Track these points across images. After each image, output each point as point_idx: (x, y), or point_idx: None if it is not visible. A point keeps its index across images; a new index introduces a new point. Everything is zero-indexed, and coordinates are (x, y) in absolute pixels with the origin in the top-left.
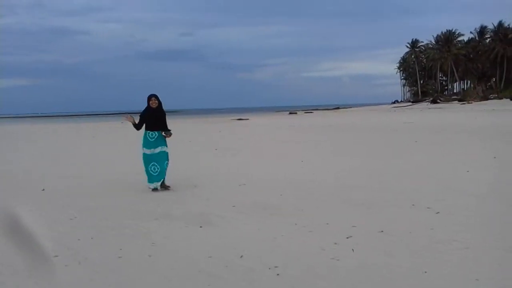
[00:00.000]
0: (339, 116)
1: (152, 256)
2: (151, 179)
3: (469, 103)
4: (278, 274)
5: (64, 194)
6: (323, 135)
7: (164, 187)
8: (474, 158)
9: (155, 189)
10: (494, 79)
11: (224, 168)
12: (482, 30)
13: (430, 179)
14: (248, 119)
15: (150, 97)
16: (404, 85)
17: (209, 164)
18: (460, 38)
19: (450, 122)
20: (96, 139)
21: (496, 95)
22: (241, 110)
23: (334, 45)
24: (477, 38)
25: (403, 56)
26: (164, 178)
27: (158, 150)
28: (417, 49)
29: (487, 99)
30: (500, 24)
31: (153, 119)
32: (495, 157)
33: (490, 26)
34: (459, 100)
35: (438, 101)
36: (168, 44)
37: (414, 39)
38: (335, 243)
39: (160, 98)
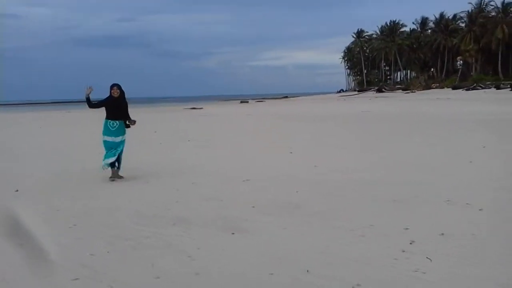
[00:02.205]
0: (293, 105)
1: (199, 274)
2: (110, 155)
3: (413, 92)
4: None
5: (45, 195)
6: (290, 124)
7: (118, 176)
8: (465, 147)
9: (105, 167)
10: (432, 69)
11: (211, 161)
12: (423, 21)
13: (441, 171)
14: (202, 108)
15: (112, 86)
16: (349, 75)
17: (191, 157)
18: (403, 29)
19: (407, 111)
20: (45, 130)
21: (438, 84)
22: (189, 99)
23: (278, 34)
24: (419, 29)
25: (348, 46)
26: (119, 168)
27: (118, 139)
28: (362, 39)
29: (429, 88)
30: (442, 15)
31: (115, 108)
32: (484, 147)
33: (431, 18)
34: (403, 89)
35: (383, 90)
36: (105, 30)
37: (359, 29)
38: (403, 251)
39: (122, 88)
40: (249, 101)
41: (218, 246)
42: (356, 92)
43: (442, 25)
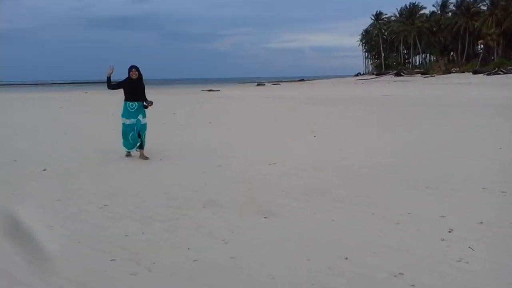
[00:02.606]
0: (310, 88)
1: (235, 258)
2: (128, 145)
3: (432, 76)
4: (413, 286)
5: (71, 176)
6: (311, 107)
7: (144, 157)
8: (492, 133)
9: (128, 155)
10: (452, 53)
11: (235, 144)
12: (444, 4)
13: (471, 156)
14: (219, 90)
15: (130, 68)
16: (366, 58)
17: (214, 140)
18: (422, 12)
19: (429, 95)
20: (65, 111)
21: (458, 68)
22: (203, 81)
23: (294, 16)
24: (439, 12)
25: (366, 29)
26: (142, 148)
27: (136, 120)
28: (381, 22)
29: (449, 72)
30: None
31: (133, 90)
32: None
33: (451, 0)
34: (422, 73)
35: (402, 74)
36: (119, 11)
37: (378, 11)
38: (442, 239)
39: (140, 70)
40: (266, 84)
41: (252, 230)
42: (374, 76)
43: (463, 8)
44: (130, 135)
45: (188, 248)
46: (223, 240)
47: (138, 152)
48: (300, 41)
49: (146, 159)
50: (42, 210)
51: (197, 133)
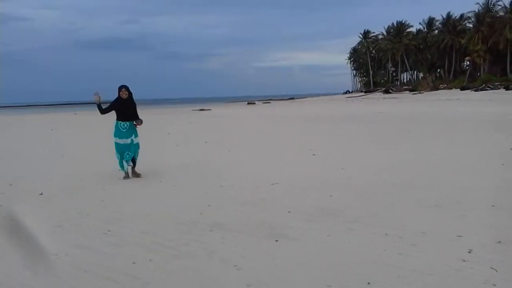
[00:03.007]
0: (301, 106)
1: (251, 286)
2: (123, 166)
3: (421, 93)
4: None
5: (70, 200)
6: (305, 125)
7: (136, 175)
8: (492, 149)
9: (126, 176)
10: (439, 70)
11: (234, 164)
12: (430, 22)
13: (474, 173)
14: (210, 109)
15: (120, 88)
16: (355, 76)
17: (212, 160)
18: (409, 30)
19: (421, 112)
20: (57, 132)
21: (446, 85)
22: (194, 100)
23: (282, 35)
24: (425, 30)
25: (354, 47)
26: (135, 166)
27: (129, 140)
28: (369, 40)
29: (437, 89)
30: (449, 15)
31: (124, 109)
32: (511, 149)
33: (438, 18)
34: (410, 90)
35: (390, 91)
36: (110, 32)
37: (366, 30)
38: (463, 260)
39: (130, 89)
40: (256, 102)
41: (265, 254)
42: (362, 93)
43: (449, 25)
44: (125, 154)
45: (202, 277)
46: (235, 266)
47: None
48: (289, 59)
49: (138, 176)
50: (44, 238)
51: (194, 153)
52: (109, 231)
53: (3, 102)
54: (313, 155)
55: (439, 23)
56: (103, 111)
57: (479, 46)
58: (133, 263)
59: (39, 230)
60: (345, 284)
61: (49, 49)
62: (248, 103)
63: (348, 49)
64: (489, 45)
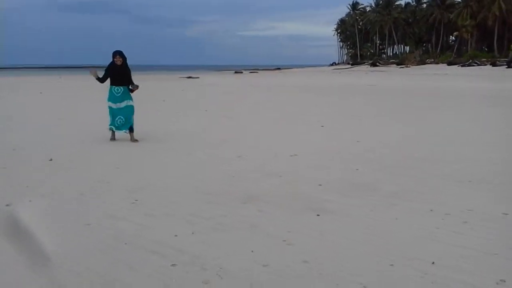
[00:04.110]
0: (290, 76)
1: (308, 262)
2: (114, 124)
3: (407, 67)
4: None
5: (83, 166)
6: (303, 96)
7: (133, 140)
8: (498, 123)
9: (112, 138)
10: (426, 44)
11: (245, 134)
12: None
13: (493, 148)
14: (198, 77)
15: (114, 55)
16: (341, 48)
17: (221, 129)
18: (398, 3)
19: (415, 86)
20: (47, 96)
21: (433, 60)
22: (177, 68)
23: (268, 4)
24: (414, 3)
25: (341, 18)
26: (132, 131)
27: (123, 104)
28: (357, 11)
29: (424, 63)
30: None
31: (119, 75)
32: None
33: None
34: (397, 64)
35: (377, 64)
36: None
37: (354, 1)
38: None
39: (124, 54)
40: (243, 71)
41: (311, 229)
42: (349, 66)
43: (438, 0)
44: (117, 119)
45: (252, 251)
46: (284, 241)
47: (129, 136)
48: (274, 29)
49: (135, 141)
50: (71, 206)
51: (197, 121)
52: (136, 200)
53: None
54: (322, 126)
55: None
56: (102, 81)
57: (467, 22)
58: (175, 235)
59: (64, 198)
60: (408, 263)
61: (25, 10)
62: (235, 72)
63: (335, 20)
64: (477, 20)
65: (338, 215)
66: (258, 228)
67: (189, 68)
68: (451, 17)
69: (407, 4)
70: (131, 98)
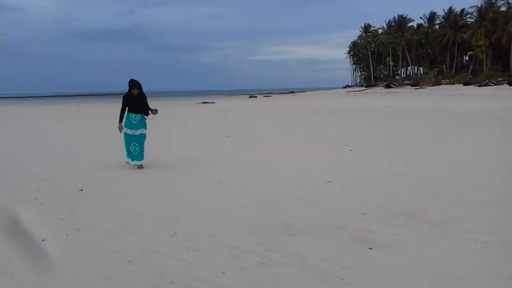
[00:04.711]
0: (306, 100)
1: None
2: (132, 157)
3: (423, 87)
4: None
5: (115, 197)
6: (324, 119)
7: (140, 167)
8: None
9: (140, 167)
10: (443, 65)
11: (272, 160)
12: (432, 16)
13: None
14: (214, 102)
15: (131, 87)
16: (354, 70)
17: (246, 154)
18: (410, 24)
19: (433, 107)
20: (67, 124)
21: (448, 80)
22: (191, 93)
23: (279, 28)
24: (426, 24)
25: (354, 41)
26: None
27: (139, 132)
28: (369, 34)
29: (439, 84)
30: (451, 10)
31: (136, 103)
32: None
33: (439, 13)
34: (412, 85)
35: (392, 85)
36: (104, 24)
37: (366, 24)
38: None
39: (139, 82)
40: (257, 96)
41: (366, 264)
42: (363, 88)
43: (451, 20)
44: (132, 145)
45: None
46: (342, 279)
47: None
48: (285, 53)
49: (140, 168)
50: (109, 240)
51: (222, 147)
52: (175, 233)
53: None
54: (350, 150)
55: (442, 17)
56: (122, 114)
57: (482, 41)
58: (223, 272)
59: (96, 232)
60: None
61: (43, 40)
62: (250, 97)
63: (345, 43)
64: (491, 40)
65: (390, 247)
66: (309, 263)
67: (203, 93)
68: (464, 37)
69: (420, 25)
70: (145, 127)
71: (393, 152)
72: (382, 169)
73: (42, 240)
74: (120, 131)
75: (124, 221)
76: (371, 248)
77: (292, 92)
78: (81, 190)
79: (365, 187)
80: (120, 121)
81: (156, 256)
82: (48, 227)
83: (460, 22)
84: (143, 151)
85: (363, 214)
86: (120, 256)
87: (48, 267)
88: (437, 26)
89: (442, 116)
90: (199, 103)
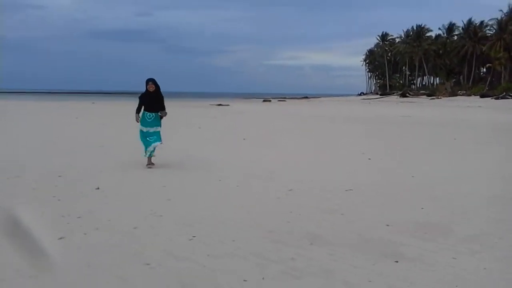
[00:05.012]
0: (320, 105)
1: None
2: (147, 144)
3: (438, 98)
4: None
5: (132, 197)
6: (338, 126)
7: (150, 164)
8: None
9: (150, 164)
10: (460, 76)
11: (290, 165)
12: (450, 27)
13: None
14: (228, 105)
15: (147, 82)
16: (370, 78)
17: (262, 159)
18: (428, 34)
19: (451, 118)
20: (83, 121)
21: (464, 91)
22: (206, 95)
23: (295, 34)
24: (445, 35)
25: (370, 49)
26: (151, 155)
27: (153, 129)
28: (386, 42)
29: (456, 95)
30: (470, 22)
31: (151, 102)
32: None
33: (458, 24)
34: (428, 95)
35: (407, 95)
36: (122, 24)
37: (384, 32)
38: None
39: (157, 81)
40: (271, 100)
41: (393, 279)
42: (378, 96)
43: (470, 32)
44: (145, 140)
45: None
46: None
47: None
48: (300, 59)
49: (152, 165)
50: (127, 242)
51: (237, 150)
52: (194, 236)
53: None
54: (369, 159)
55: (461, 28)
56: (138, 111)
57: (501, 54)
58: (244, 280)
59: (114, 232)
60: None
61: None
62: (264, 101)
63: (361, 51)
64: (511, 53)
65: (418, 262)
66: (334, 275)
67: (218, 96)
68: (483, 49)
69: (438, 35)
70: (160, 125)
71: (413, 162)
72: (403, 179)
73: (60, 238)
74: (137, 121)
75: (142, 222)
76: (397, 262)
77: (306, 97)
78: (98, 188)
79: (387, 197)
80: (137, 112)
81: (176, 260)
82: (65, 225)
83: (480, 34)
84: (154, 145)
85: (387, 225)
86: (138, 259)
87: (52, 267)
88: (455, 37)
89: (460, 128)
90: (214, 105)
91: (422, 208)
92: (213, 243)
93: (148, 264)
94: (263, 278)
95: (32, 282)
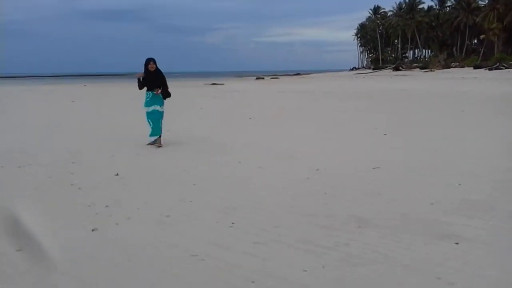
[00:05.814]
0: (314, 82)
1: None
2: (153, 134)
3: (432, 70)
4: None
5: (153, 180)
6: (337, 102)
7: (159, 145)
8: None
9: (158, 144)
10: (453, 48)
11: (304, 143)
12: None
13: None
14: (223, 84)
15: (148, 62)
16: (361, 52)
17: (274, 138)
18: (420, 6)
19: (450, 90)
20: (80, 104)
21: (458, 63)
22: (198, 74)
23: (285, 11)
24: (437, 7)
25: (362, 23)
26: (160, 136)
27: (151, 108)
28: (378, 16)
29: (449, 67)
30: None
31: (150, 81)
32: None
33: None
34: (421, 68)
35: (400, 68)
36: (111, 3)
37: (376, 5)
38: None
39: (156, 62)
40: (264, 77)
41: (460, 262)
42: (371, 70)
43: (463, 3)
44: (151, 121)
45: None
46: (438, 278)
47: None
48: (291, 35)
49: (159, 146)
50: (177, 231)
51: (246, 130)
52: (233, 223)
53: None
54: (385, 134)
55: (453, 0)
56: (140, 87)
57: (494, 24)
58: (304, 270)
59: (147, 221)
60: None
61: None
62: (257, 78)
63: (352, 26)
64: (504, 23)
65: (477, 243)
66: (396, 260)
67: (210, 75)
68: (477, 20)
69: (430, 7)
70: (159, 104)
71: (430, 137)
72: (427, 155)
73: (93, 230)
74: (139, 76)
75: (174, 210)
76: (457, 243)
77: (299, 74)
78: (117, 175)
79: (418, 175)
80: (139, 82)
81: (222, 250)
82: (94, 216)
83: (473, 5)
84: (159, 128)
85: (431, 203)
86: (182, 250)
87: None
88: (447, 9)
89: (464, 99)
90: (208, 84)
91: (459, 184)
92: (254, 230)
93: (194, 256)
94: (323, 267)
95: (75, 283)
